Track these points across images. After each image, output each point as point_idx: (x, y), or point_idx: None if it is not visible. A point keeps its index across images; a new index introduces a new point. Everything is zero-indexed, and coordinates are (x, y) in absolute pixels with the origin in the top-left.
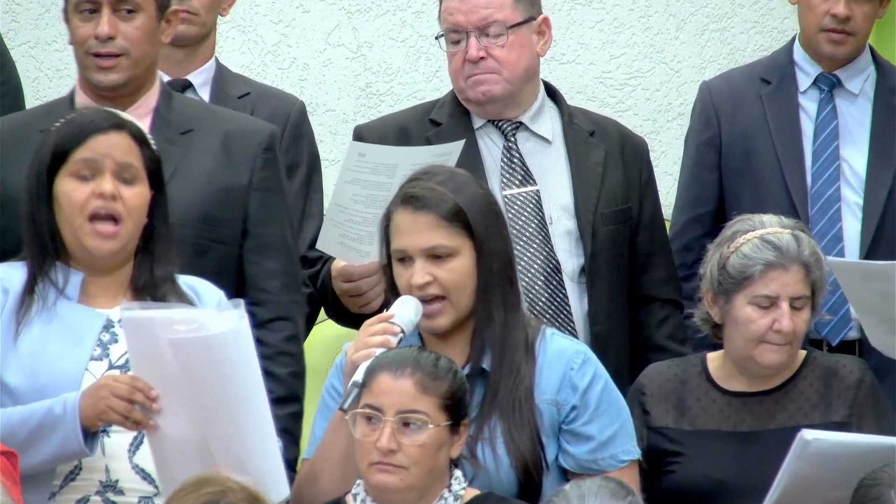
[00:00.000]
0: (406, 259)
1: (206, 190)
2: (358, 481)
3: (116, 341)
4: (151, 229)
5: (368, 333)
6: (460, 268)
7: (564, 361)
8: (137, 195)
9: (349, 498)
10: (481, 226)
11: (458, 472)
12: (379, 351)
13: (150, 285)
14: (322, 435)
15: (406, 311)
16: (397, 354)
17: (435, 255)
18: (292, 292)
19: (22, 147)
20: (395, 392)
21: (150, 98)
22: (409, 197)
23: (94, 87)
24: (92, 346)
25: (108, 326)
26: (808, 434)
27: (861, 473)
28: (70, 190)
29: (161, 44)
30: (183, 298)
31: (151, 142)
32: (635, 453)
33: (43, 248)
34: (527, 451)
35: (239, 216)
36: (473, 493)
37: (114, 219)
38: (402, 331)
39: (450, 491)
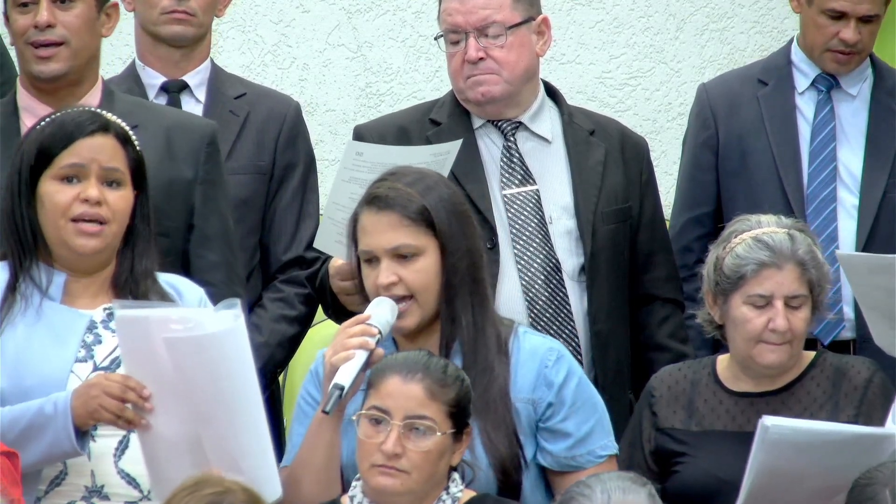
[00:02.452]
0: (373, 259)
1: (151, 184)
2: (354, 483)
3: (100, 342)
4: (132, 228)
5: (346, 336)
6: (426, 268)
7: (538, 359)
8: (122, 198)
9: (345, 499)
10: (445, 225)
11: (455, 475)
12: (359, 352)
13: (131, 282)
14: (300, 442)
15: (382, 311)
16: (407, 358)
17: (400, 255)
18: (235, 284)
19: None
20: (403, 396)
21: (93, 97)
22: (374, 197)
23: (34, 79)
24: (76, 347)
25: (91, 327)
26: (767, 420)
27: (849, 467)
28: (54, 192)
29: (101, 37)
30: (164, 296)
31: (135, 141)
32: (612, 448)
33: (23, 246)
34: (504, 450)
35: (183, 209)
36: (470, 494)
37: (98, 222)
38: (380, 332)
39: (448, 493)
